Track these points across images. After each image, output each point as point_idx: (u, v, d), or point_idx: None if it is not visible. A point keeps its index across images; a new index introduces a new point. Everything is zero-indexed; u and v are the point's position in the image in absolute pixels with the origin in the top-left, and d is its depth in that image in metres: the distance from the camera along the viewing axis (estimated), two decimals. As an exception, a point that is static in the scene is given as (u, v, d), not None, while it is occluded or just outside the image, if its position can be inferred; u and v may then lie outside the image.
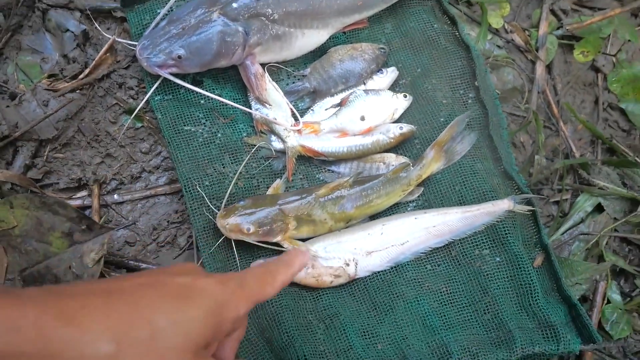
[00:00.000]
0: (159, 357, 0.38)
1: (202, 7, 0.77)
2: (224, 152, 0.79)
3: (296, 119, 0.81)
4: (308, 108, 0.84)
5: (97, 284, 0.42)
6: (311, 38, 0.83)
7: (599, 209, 0.86)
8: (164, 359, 0.38)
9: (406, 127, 0.81)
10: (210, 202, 0.75)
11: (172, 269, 0.45)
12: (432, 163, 0.78)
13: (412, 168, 0.77)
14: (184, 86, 0.77)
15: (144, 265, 0.77)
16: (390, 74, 0.85)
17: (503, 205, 0.76)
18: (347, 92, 0.83)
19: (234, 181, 0.75)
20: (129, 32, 0.84)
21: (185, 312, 0.40)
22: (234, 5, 0.77)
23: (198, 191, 0.75)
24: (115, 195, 0.80)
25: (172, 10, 0.81)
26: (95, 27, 0.84)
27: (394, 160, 0.81)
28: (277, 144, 0.80)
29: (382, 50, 0.85)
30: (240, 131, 0.81)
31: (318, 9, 0.80)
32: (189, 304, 0.41)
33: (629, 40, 0.94)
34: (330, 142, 0.80)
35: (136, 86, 0.83)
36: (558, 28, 0.96)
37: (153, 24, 0.79)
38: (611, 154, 0.91)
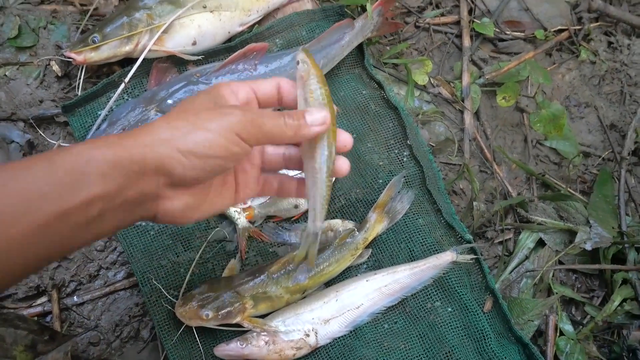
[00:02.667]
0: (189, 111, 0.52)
1: (139, 107, 0.82)
2: (177, 241, 0.81)
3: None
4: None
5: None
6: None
7: (541, 243, 0.91)
8: (192, 111, 0.52)
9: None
10: (168, 293, 0.77)
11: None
12: (375, 225, 0.82)
13: (357, 233, 0.81)
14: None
15: (110, 364, 0.79)
16: (327, 143, 0.90)
17: (446, 257, 0.80)
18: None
19: (190, 271, 0.78)
20: (73, 135, 0.87)
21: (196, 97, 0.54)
22: (169, 102, 0.81)
23: (154, 284, 0.77)
24: (75, 297, 0.82)
25: (112, 110, 0.85)
26: (40, 135, 0.87)
27: (340, 226, 0.84)
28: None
29: (317, 121, 0.90)
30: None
31: (250, 93, 0.85)
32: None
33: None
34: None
35: (85, 187, 0.85)
36: (480, 77, 1.02)
37: (94, 127, 0.83)
38: (546, 189, 0.97)
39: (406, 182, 0.86)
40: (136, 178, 0.48)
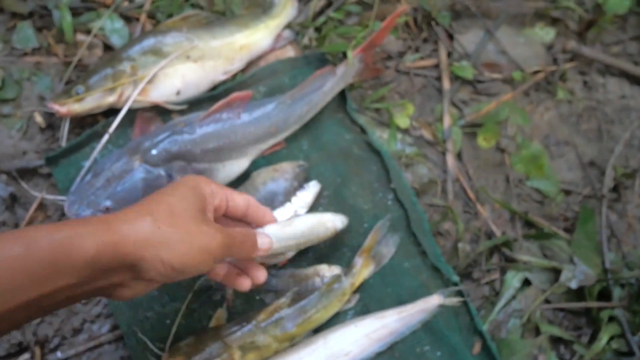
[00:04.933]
0: (178, 217, 0.55)
1: (123, 157, 0.82)
2: (163, 292, 0.81)
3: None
4: (240, 232, 0.88)
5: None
6: (232, 168, 0.88)
7: (527, 282, 0.91)
8: (181, 218, 0.55)
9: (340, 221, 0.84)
10: (154, 345, 0.76)
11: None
12: (362, 270, 0.82)
13: (344, 278, 0.81)
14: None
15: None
16: (312, 189, 0.90)
17: (433, 301, 0.80)
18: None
19: (177, 322, 0.77)
20: (57, 187, 0.87)
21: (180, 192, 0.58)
22: (153, 152, 0.81)
23: (140, 337, 0.76)
24: (59, 353, 0.80)
25: (96, 162, 0.85)
26: (23, 187, 0.87)
27: (327, 271, 0.84)
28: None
29: (301, 167, 0.90)
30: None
31: (234, 142, 0.86)
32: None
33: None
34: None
35: (69, 239, 0.85)
36: (460, 118, 1.04)
37: (78, 179, 0.83)
38: (530, 227, 0.98)
39: (391, 225, 0.87)
40: (111, 273, 0.51)
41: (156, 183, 0.80)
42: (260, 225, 0.71)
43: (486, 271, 0.92)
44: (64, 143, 0.89)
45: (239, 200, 0.66)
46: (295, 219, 0.81)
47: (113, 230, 0.49)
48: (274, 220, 0.73)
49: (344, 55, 1.00)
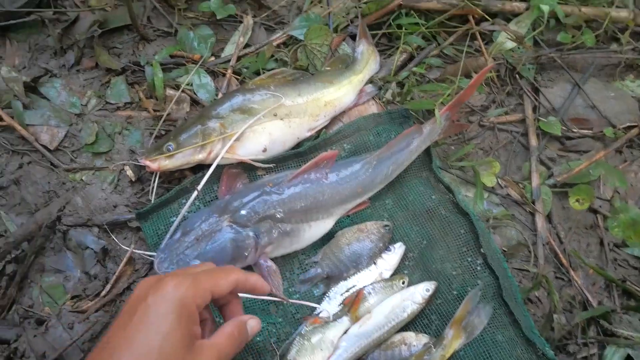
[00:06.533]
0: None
1: (212, 217, 0.82)
2: (248, 355, 0.80)
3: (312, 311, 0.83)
4: (323, 294, 0.86)
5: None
6: (318, 228, 0.87)
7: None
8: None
9: (431, 286, 0.82)
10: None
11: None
12: (452, 342, 0.78)
13: (434, 350, 0.78)
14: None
15: None
16: (398, 250, 0.88)
17: (531, 379, 0.75)
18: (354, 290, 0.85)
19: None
20: (145, 241, 0.88)
21: (160, 325, 0.55)
22: (243, 212, 0.81)
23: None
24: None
25: (185, 218, 0.86)
26: (113, 240, 0.89)
27: (414, 339, 0.81)
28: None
29: (387, 227, 0.88)
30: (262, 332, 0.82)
31: (321, 202, 0.85)
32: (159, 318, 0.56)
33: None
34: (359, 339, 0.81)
35: (155, 296, 0.85)
36: (549, 177, 1.00)
37: (168, 236, 0.83)
38: (629, 297, 0.92)
39: (481, 294, 0.83)
40: None
41: (244, 244, 0.80)
42: (255, 292, 0.69)
43: (583, 344, 0.86)
44: (152, 197, 0.90)
45: (224, 286, 0.64)
46: (374, 310, 0.80)
47: None
48: (267, 289, 0.69)
49: (429, 112, 0.99)
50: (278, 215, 0.82)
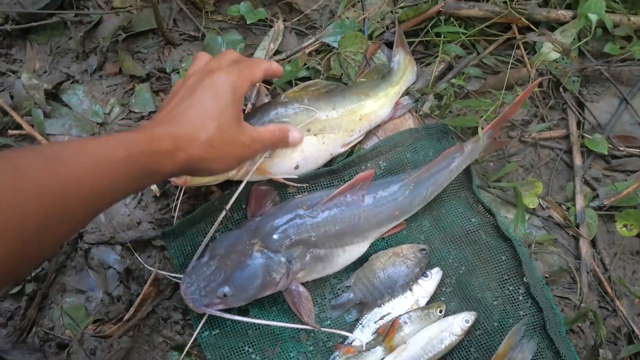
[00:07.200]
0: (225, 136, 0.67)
1: (242, 240, 0.78)
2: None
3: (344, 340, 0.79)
4: (356, 320, 0.82)
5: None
6: (352, 253, 0.83)
7: (678, 397, 0.81)
8: (227, 136, 0.67)
9: (470, 316, 0.78)
10: None
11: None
12: (495, 379, 0.74)
13: (475, 388, 0.74)
14: (231, 319, 0.76)
15: None
16: (435, 276, 0.83)
17: None
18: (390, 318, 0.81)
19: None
20: (170, 260, 0.84)
21: (219, 97, 0.67)
22: (275, 237, 0.77)
23: None
24: None
25: (213, 239, 0.82)
26: (136, 258, 0.85)
27: (453, 375, 0.77)
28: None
29: (424, 251, 0.84)
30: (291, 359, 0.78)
31: (357, 226, 0.80)
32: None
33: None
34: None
35: (181, 320, 0.82)
36: (594, 198, 0.95)
37: (195, 258, 0.80)
38: (676, 329, 0.87)
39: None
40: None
41: (276, 270, 0.76)
42: (276, 75, 0.78)
43: (629, 381, 0.82)
44: (176, 213, 0.86)
45: (258, 75, 0.73)
46: (409, 340, 0.76)
47: (185, 153, 0.62)
48: (280, 71, 0.77)
49: (468, 127, 0.94)
50: (311, 240, 0.78)
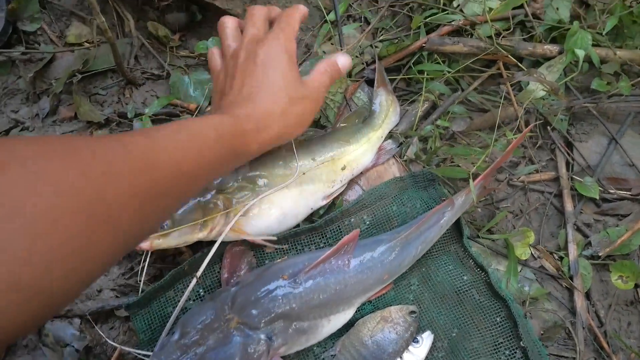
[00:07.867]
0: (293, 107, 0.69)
1: (217, 315, 0.70)
2: None
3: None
4: (343, 394, 0.75)
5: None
6: (338, 321, 0.76)
7: None
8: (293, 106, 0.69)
9: None
10: None
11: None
12: None
13: None
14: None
15: None
16: (426, 342, 0.77)
17: None
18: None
19: None
20: (137, 335, 0.76)
21: (277, 65, 0.69)
22: (253, 312, 0.69)
23: None
24: None
25: (183, 312, 0.74)
26: (97, 331, 0.76)
27: None
28: None
29: (413, 314, 0.78)
30: None
31: (343, 293, 0.74)
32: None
33: (666, 254, 0.89)
34: None
35: (149, 403, 0.73)
36: (586, 245, 0.91)
37: (164, 334, 0.72)
38: (674, 386, 0.83)
39: (523, 395, 0.73)
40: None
41: (255, 349, 0.68)
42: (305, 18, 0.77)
43: None
44: (142, 280, 0.78)
45: (297, 26, 0.73)
46: None
47: (266, 132, 0.66)
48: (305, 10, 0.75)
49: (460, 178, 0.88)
50: (294, 313, 0.71)
